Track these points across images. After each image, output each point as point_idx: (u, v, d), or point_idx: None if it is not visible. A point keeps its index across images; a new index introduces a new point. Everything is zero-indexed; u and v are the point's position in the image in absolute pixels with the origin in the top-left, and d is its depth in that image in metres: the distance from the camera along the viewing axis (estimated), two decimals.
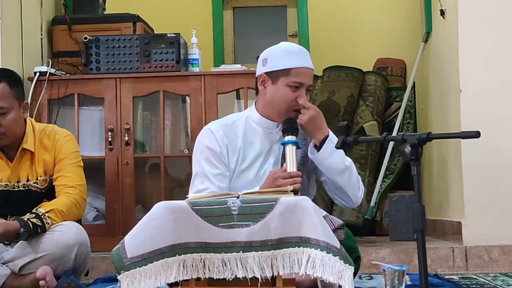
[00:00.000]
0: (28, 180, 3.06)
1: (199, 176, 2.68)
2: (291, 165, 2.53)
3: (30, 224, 2.85)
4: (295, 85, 2.64)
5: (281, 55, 2.68)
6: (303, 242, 2.10)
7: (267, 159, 2.70)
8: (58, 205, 2.96)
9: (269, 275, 2.12)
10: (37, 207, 2.94)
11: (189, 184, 2.74)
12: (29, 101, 3.91)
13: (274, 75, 2.67)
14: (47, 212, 2.91)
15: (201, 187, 2.66)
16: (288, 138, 2.58)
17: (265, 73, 2.69)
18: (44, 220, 2.88)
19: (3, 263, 2.94)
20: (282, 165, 2.64)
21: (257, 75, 2.74)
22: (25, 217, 2.88)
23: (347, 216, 4.86)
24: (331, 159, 2.65)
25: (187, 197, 2.33)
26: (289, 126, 2.62)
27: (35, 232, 2.86)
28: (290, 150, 2.55)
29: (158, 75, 4.06)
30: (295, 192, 2.42)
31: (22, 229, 2.83)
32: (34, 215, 2.89)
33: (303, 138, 2.72)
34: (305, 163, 2.72)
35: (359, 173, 5.01)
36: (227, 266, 2.11)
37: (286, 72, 2.65)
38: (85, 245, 2.95)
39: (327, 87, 5.44)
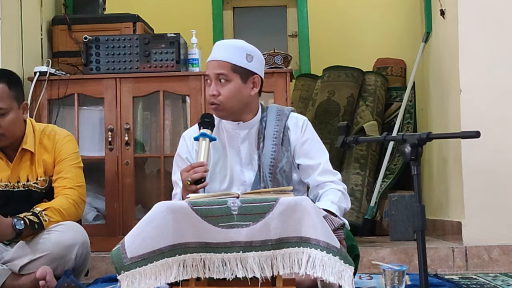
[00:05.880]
0: (28, 181, 3.06)
1: (173, 183, 2.78)
2: (200, 157, 2.57)
3: (27, 220, 2.85)
4: (207, 80, 2.70)
5: None
6: (303, 242, 2.10)
7: (236, 159, 2.72)
8: (54, 204, 2.96)
9: (269, 275, 2.12)
10: (34, 207, 2.94)
11: None
12: (29, 101, 3.90)
13: None
14: (43, 210, 2.91)
15: (173, 192, 2.77)
16: (202, 131, 2.62)
17: None
18: (41, 217, 2.88)
19: (3, 263, 2.94)
20: (246, 165, 2.70)
21: None
22: (22, 215, 2.88)
23: (347, 216, 4.81)
24: None
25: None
26: (203, 120, 2.66)
27: (33, 227, 2.86)
28: (201, 143, 2.60)
29: (158, 75, 4.06)
30: (200, 181, 2.49)
31: (15, 220, 2.82)
32: (30, 213, 2.89)
33: (286, 150, 2.72)
34: (276, 171, 2.69)
35: (358, 173, 5.08)
36: (227, 266, 2.12)
37: None
38: (85, 245, 2.94)
39: (327, 87, 5.44)
